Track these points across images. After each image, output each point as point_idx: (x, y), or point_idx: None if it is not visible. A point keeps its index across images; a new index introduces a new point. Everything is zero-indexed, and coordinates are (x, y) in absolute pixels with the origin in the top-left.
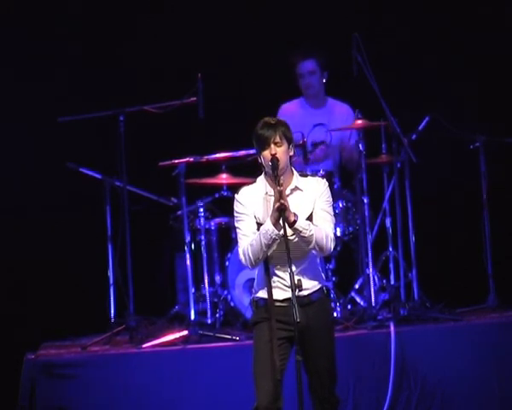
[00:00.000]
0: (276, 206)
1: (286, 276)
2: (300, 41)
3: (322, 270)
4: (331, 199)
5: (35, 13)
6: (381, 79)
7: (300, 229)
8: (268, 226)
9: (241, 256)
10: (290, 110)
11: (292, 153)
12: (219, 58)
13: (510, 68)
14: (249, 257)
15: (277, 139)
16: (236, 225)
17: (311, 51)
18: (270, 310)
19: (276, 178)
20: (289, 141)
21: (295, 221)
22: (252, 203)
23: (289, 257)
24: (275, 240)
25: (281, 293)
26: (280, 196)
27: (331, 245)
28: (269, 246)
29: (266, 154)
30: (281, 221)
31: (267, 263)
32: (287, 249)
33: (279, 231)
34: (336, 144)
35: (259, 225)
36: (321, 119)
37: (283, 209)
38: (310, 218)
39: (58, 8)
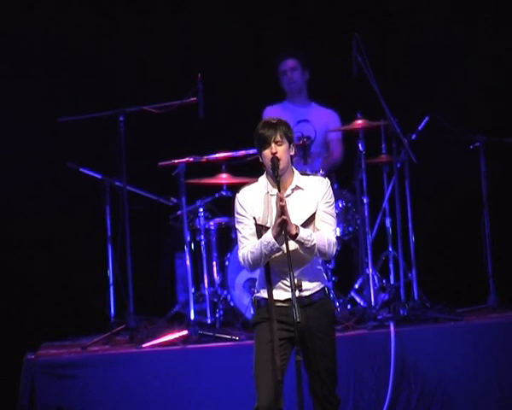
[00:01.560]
0: (277, 221)
1: (287, 276)
2: (301, 40)
3: (323, 270)
4: (333, 199)
5: (35, 13)
6: (381, 79)
7: (302, 241)
8: (269, 239)
9: (241, 260)
10: (274, 111)
11: (293, 152)
12: (219, 58)
13: (510, 68)
14: (249, 263)
15: (278, 138)
16: (236, 226)
17: (292, 51)
18: (271, 310)
19: (276, 177)
20: (290, 140)
21: (297, 234)
22: (252, 204)
23: (289, 258)
24: (276, 252)
25: (282, 293)
26: (282, 211)
27: (333, 250)
28: (269, 256)
29: (267, 153)
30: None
31: (268, 264)
32: (287, 252)
33: (280, 244)
34: (322, 145)
35: (259, 226)
36: (305, 116)
37: (285, 224)
38: (312, 218)
39: (58, 8)
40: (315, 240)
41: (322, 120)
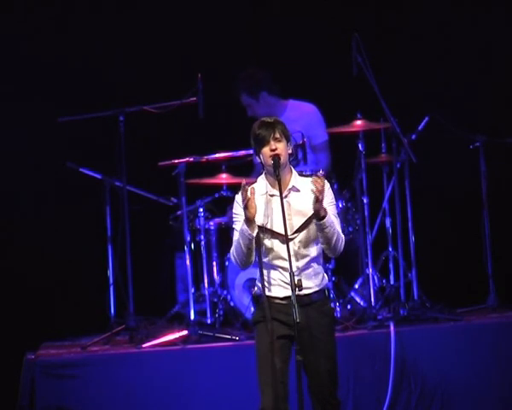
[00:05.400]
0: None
1: (286, 274)
2: (301, 40)
3: (324, 270)
4: (334, 199)
5: (35, 12)
6: (381, 79)
7: (327, 224)
8: (243, 226)
9: (231, 257)
10: None
11: (290, 151)
12: (219, 58)
13: (510, 68)
14: (235, 258)
15: (277, 135)
16: (233, 225)
17: (237, 85)
18: (266, 311)
19: (277, 177)
20: (287, 139)
21: (324, 216)
22: None
23: (289, 258)
24: (250, 240)
25: (281, 291)
26: (321, 189)
27: (342, 246)
28: (247, 247)
29: (266, 151)
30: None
31: (261, 261)
32: (287, 252)
33: (252, 231)
34: (309, 150)
35: (258, 227)
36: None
37: (320, 201)
38: (309, 220)
39: (58, 8)
40: (335, 231)
41: (301, 121)
